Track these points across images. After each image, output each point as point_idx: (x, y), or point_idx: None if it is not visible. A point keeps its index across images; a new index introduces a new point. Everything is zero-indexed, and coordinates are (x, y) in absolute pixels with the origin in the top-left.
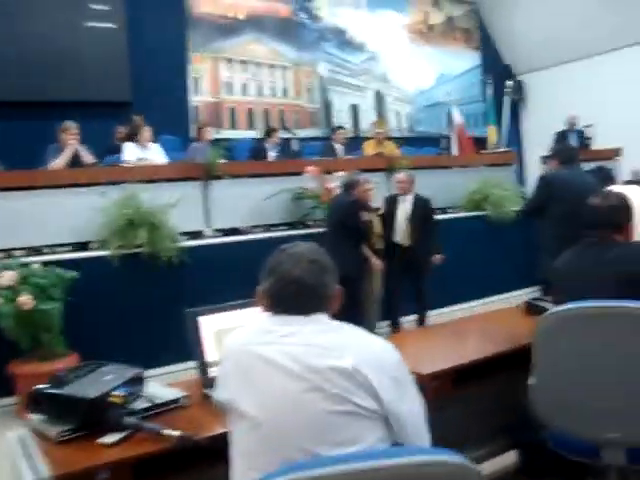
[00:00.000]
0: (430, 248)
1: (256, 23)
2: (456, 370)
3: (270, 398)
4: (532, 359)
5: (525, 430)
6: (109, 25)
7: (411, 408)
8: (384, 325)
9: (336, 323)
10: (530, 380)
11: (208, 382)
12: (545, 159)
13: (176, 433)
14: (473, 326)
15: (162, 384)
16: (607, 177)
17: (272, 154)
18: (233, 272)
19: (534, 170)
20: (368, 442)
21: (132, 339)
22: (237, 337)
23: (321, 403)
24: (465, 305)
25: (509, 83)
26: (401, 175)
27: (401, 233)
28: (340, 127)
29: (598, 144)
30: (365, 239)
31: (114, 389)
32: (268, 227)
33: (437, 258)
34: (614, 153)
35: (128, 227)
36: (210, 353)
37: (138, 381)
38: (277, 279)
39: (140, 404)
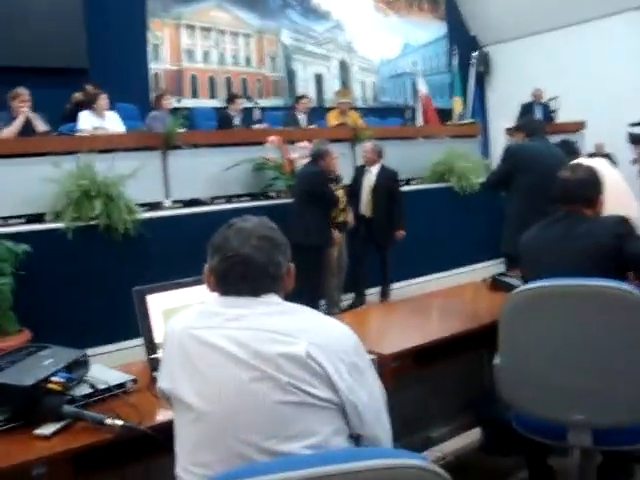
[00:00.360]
0: (394, 221)
1: None
2: (418, 349)
3: (215, 388)
4: (498, 338)
5: (488, 408)
6: None
7: (370, 396)
8: (349, 297)
9: (289, 305)
10: (495, 360)
11: (156, 364)
12: (511, 131)
13: (119, 422)
14: (437, 302)
15: (108, 367)
16: (572, 150)
17: (236, 122)
18: (193, 244)
19: (499, 142)
20: (323, 434)
21: (87, 315)
22: (180, 320)
23: (271, 393)
24: (430, 277)
25: (475, 54)
26: (367, 145)
27: (364, 204)
28: (303, 96)
29: (562, 117)
30: (332, 209)
31: (53, 374)
32: (229, 198)
33: (399, 234)
34: (578, 126)
35: (83, 198)
36: (158, 334)
37: (81, 365)
38: (223, 257)
39: (82, 390)
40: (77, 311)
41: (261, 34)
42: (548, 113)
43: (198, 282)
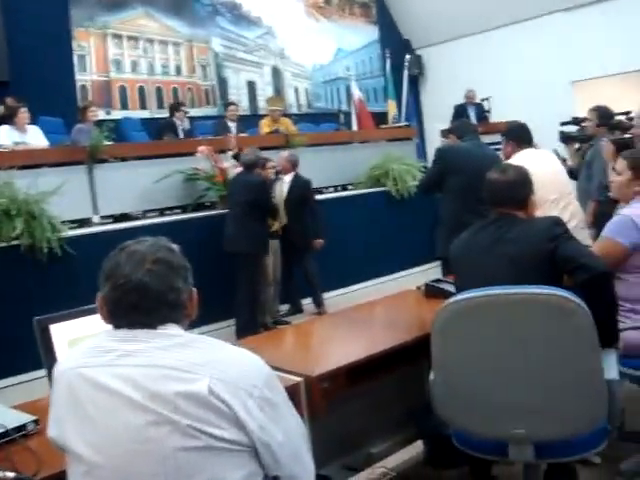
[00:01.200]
0: (309, 230)
1: None
2: (351, 367)
3: (107, 436)
4: (431, 353)
5: (429, 420)
6: None
7: (285, 433)
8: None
9: (190, 336)
10: (430, 375)
11: None
12: (444, 134)
13: (11, 475)
14: (372, 313)
15: (7, 406)
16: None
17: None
18: None
19: (434, 144)
20: None
21: (4, 341)
22: (69, 358)
23: (170, 439)
24: (369, 283)
25: (408, 57)
26: (282, 154)
27: (281, 214)
28: (231, 104)
29: (496, 117)
30: (272, 217)
31: None
32: (161, 211)
33: (318, 242)
34: None
35: (3, 217)
36: None
37: None
38: (114, 285)
39: None
40: None
41: (191, 42)
42: (481, 113)
43: None
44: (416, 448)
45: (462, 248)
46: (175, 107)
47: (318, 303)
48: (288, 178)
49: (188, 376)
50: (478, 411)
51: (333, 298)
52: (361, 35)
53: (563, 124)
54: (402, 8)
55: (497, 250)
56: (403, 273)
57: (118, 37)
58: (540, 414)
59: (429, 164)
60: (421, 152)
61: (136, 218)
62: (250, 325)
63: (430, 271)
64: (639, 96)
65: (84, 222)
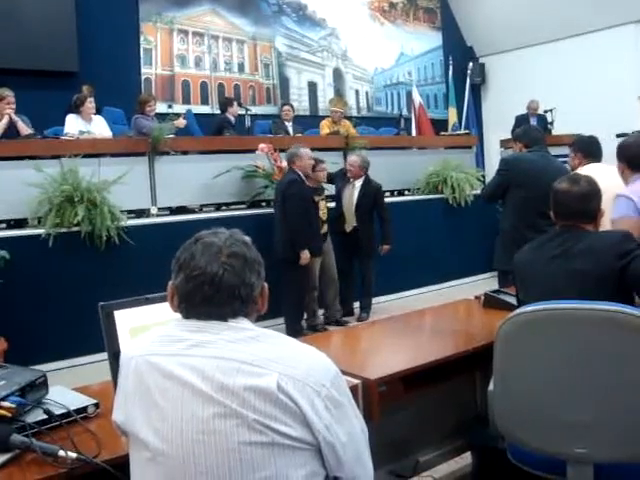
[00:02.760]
0: (377, 235)
1: None
2: (407, 373)
3: (174, 425)
4: (493, 364)
5: (480, 433)
6: None
7: (349, 434)
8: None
9: (260, 331)
10: (490, 386)
11: None
12: (506, 143)
13: (73, 455)
14: (428, 321)
15: (69, 389)
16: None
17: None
18: None
19: (494, 154)
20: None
21: (66, 324)
22: (137, 345)
23: (236, 432)
24: (422, 290)
25: (471, 65)
26: (354, 159)
27: (348, 218)
28: (286, 104)
29: (559, 130)
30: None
31: (3, 399)
32: (218, 206)
33: (384, 249)
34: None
35: (66, 204)
36: None
37: (38, 387)
38: (188, 276)
39: (36, 416)
40: (54, 321)
41: (255, 40)
42: (544, 125)
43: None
44: (465, 460)
45: (526, 260)
46: (226, 104)
47: (364, 308)
48: (359, 182)
49: (257, 370)
50: (539, 426)
51: (385, 303)
52: (424, 40)
53: (618, 136)
54: (467, 15)
55: (562, 264)
56: (458, 282)
57: (184, 33)
58: (603, 434)
59: (487, 174)
60: (480, 161)
61: (193, 211)
62: (292, 327)
63: (486, 281)
64: None
65: (142, 212)
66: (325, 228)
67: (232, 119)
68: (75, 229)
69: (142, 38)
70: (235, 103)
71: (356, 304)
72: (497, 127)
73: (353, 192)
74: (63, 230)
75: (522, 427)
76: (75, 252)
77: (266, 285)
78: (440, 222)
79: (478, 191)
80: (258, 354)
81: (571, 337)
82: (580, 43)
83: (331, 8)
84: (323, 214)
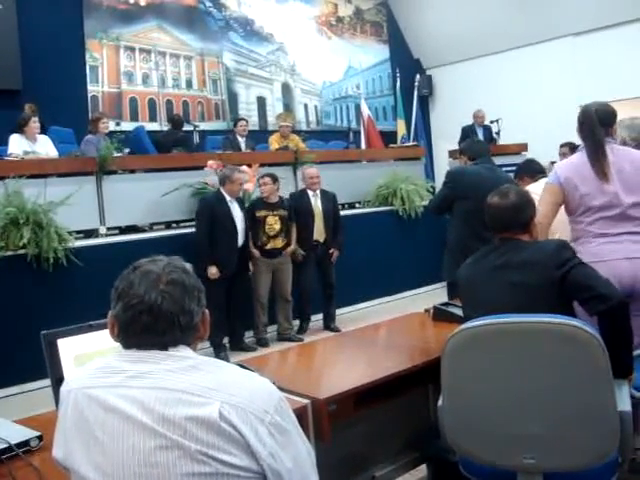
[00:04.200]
0: (335, 243)
1: (158, 10)
2: (358, 391)
3: (115, 459)
4: (441, 379)
5: (434, 444)
6: None
7: (295, 460)
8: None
9: (201, 359)
10: (439, 401)
11: None
12: (454, 154)
13: None
14: (380, 336)
15: (10, 421)
16: (539, 169)
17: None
18: None
19: (443, 164)
20: None
21: (14, 349)
22: (76, 377)
23: (178, 464)
24: (373, 302)
25: (418, 77)
26: (312, 171)
27: (318, 230)
28: (241, 119)
29: (505, 139)
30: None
31: None
32: (168, 224)
33: (334, 254)
34: (520, 148)
35: (11, 226)
36: None
37: None
38: (127, 305)
39: None
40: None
41: (202, 56)
42: (490, 135)
43: None
44: (420, 472)
45: (468, 274)
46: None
47: (332, 318)
48: (318, 192)
49: (199, 400)
50: (488, 439)
51: (338, 316)
52: (372, 54)
53: (563, 151)
54: (413, 28)
55: (502, 277)
56: (409, 293)
57: (131, 49)
58: (551, 444)
59: (437, 184)
60: (429, 172)
61: (142, 230)
62: (213, 342)
63: (436, 292)
64: None
65: (91, 233)
66: (278, 243)
67: (182, 134)
68: (21, 252)
69: (88, 55)
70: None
71: (319, 316)
72: (445, 138)
73: (317, 202)
74: (9, 253)
75: (472, 441)
76: (21, 275)
77: (207, 311)
78: (391, 234)
79: (427, 202)
80: (199, 383)
81: (515, 350)
82: (522, 55)
83: (278, 23)
84: (270, 229)
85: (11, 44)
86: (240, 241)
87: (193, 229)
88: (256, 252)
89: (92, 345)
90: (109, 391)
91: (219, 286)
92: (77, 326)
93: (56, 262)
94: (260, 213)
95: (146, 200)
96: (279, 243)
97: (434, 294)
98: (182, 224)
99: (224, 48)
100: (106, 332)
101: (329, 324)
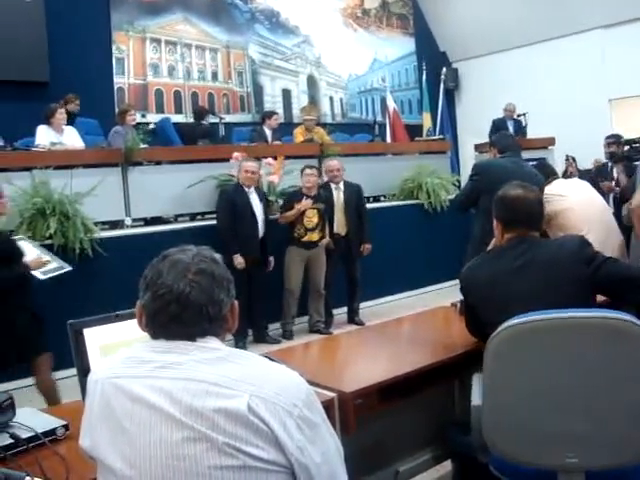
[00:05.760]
0: (361, 237)
1: (184, 2)
2: (384, 385)
3: (141, 450)
4: (482, 379)
5: (460, 440)
6: None
7: (324, 455)
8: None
9: (230, 350)
10: (475, 400)
11: None
12: (481, 147)
13: None
14: (406, 330)
15: (38, 409)
16: (550, 172)
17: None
18: None
19: (468, 158)
20: None
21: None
22: (103, 367)
23: (206, 456)
24: (398, 296)
25: (444, 70)
26: (334, 163)
27: (338, 223)
28: (273, 112)
29: (531, 133)
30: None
31: None
32: (193, 216)
33: (366, 248)
34: (548, 142)
35: (37, 216)
36: None
37: (5, 410)
38: (155, 295)
39: (2, 441)
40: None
41: (228, 48)
42: (520, 128)
43: None
44: (445, 468)
45: (484, 276)
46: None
47: (354, 313)
48: (341, 185)
49: (228, 392)
50: (530, 438)
51: (362, 310)
52: (398, 46)
53: (610, 144)
54: (440, 21)
55: (530, 275)
56: (434, 287)
57: (156, 41)
58: (596, 442)
59: (462, 178)
60: (455, 166)
61: (167, 222)
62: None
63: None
64: None
65: (116, 224)
66: (314, 237)
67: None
68: (47, 242)
69: (114, 47)
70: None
71: (343, 309)
72: (471, 132)
73: (339, 195)
74: (35, 243)
75: (512, 440)
76: None
77: (236, 302)
78: (416, 228)
79: (453, 196)
80: (228, 375)
81: (564, 346)
82: (550, 48)
83: (304, 15)
84: (308, 221)
85: (39, 36)
86: (261, 231)
87: (215, 220)
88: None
89: (118, 335)
90: (136, 381)
91: (239, 277)
92: (103, 316)
93: (82, 252)
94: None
95: (171, 191)
96: (315, 236)
97: (457, 289)
98: (207, 216)
99: (250, 40)
100: (132, 322)
101: (353, 317)
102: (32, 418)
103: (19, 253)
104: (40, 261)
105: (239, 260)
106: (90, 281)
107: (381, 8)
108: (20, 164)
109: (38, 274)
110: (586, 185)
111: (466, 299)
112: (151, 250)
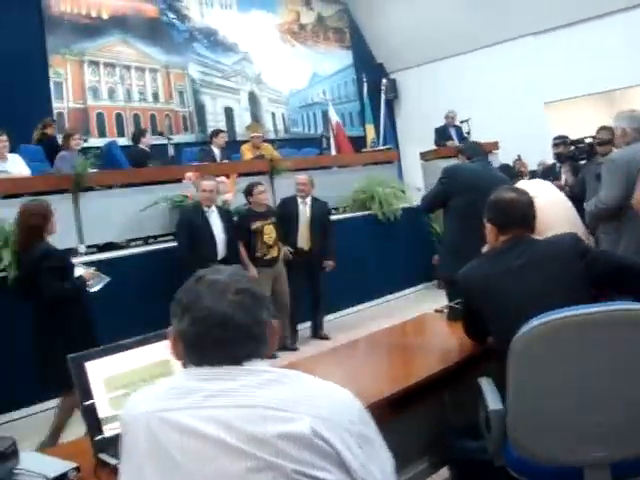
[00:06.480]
0: (325, 253)
1: (121, 23)
2: (396, 396)
3: None
4: (507, 380)
5: (457, 444)
6: None
7: (383, 471)
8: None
9: (280, 372)
10: (492, 405)
11: (102, 444)
12: (429, 153)
13: None
14: (397, 340)
15: (43, 454)
16: (514, 174)
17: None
18: (114, 294)
19: (411, 166)
20: None
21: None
22: (143, 400)
23: None
24: (361, 307)
25: (385, 82)
26: (302, 177)
27: (302, 237)
28: (220, 131)
29: (473, 139)
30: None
31: None
32: (145, 240)
33: (329, 264)
34: (492, 147)
35: None
36: (102, 407)
37: (9, 457)
38: (196, 319)
39: None
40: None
41: (168, 68)
42: (462, 135)
43: (143, 342)
44: (441, 476)
45: (484, 274)
46: (139, 135)
47: (318, 326)
48: (309, 200)
49: (285, 415)
50: (559, 437)
51: (329, 322)
52: (336, 60)
53: (557, 145)
54: (375, 33)
55: (530, 275)
56: (395, 295)
57: (95, 64)
58: (622, 434)
59: (407, 187)
60: (398, 174)
61: (121, 247)
62: None
63: (422, 292)
64: (606, 116)
65: (70, 252)
66: (274, 252)
67: (147, 150)
68: (1, 274)
69: (51, 71)
70: (147, 134)
71: (306, 324)
72: (413, 140)
73: (306, 210)
74: None
75: (539, 440)
76: (3, 298)
77: (275, 322)
78: (371, 238)
79: (406, 204)
80: (283, 397)
81: (593, 342)
82: (484, 55)
83: (242, 32)
84: (268, 238)
85: None
86: (220, 253)
87: (172, 243)
88: (253, 270)
89: (122, 366)
90: (185, 413)
91: None
92: (104, 347)
93: None
94: (256, 224)
95: (124, 216)
96: (275, 252)
97: (420, 295)
98: (159, 238)
99: (189, 59)
100: (136, 351)
101: (317, 332)
102: (38, 463)
103: (71, 267)
104: (93, 273)
105: None
106: None
107: (317, 23)
108: None
109: (90, 287)
110: (549, 185)
111: (467, 304)
112: (113, 276)
